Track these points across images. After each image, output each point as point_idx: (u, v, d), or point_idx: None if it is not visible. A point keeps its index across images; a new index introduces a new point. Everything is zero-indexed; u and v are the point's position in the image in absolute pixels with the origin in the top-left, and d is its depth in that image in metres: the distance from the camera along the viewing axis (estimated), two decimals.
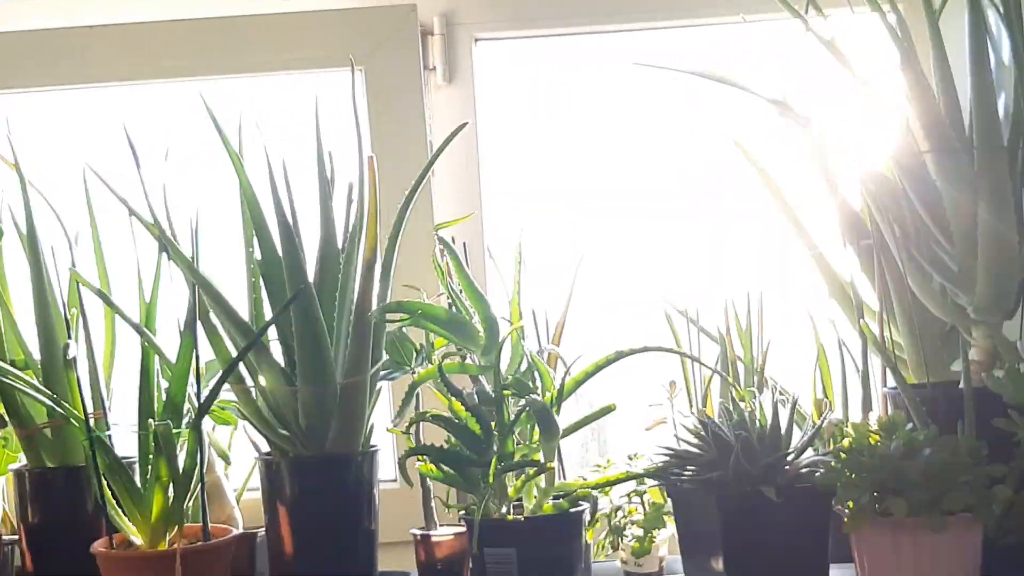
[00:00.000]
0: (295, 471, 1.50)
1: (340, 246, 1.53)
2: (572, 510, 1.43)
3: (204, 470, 1.41)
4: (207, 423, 1.67)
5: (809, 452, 1.43)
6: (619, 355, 1.42)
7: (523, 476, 1.43)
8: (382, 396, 1.61)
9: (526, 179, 2.03)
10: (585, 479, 1.46)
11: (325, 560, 1.50)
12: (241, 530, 1.66)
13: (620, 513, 1.61)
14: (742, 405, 1.43)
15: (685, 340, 1.68)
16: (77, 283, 1.52)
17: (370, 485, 1.53)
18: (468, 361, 1.49)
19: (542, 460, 1.42)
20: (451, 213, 1.96)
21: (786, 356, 1.80)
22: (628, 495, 1.62)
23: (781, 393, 1.60)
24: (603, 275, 1.98)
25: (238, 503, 1.73)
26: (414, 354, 1.55)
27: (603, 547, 1.62)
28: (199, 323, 1.46)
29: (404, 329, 1.54)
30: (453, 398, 1.40)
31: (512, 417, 1.41)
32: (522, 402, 1.38)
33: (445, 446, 1.45)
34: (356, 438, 1.50)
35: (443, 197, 1.95)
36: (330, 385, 1.47)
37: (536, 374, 1.47)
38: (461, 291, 1.46)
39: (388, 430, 1.43)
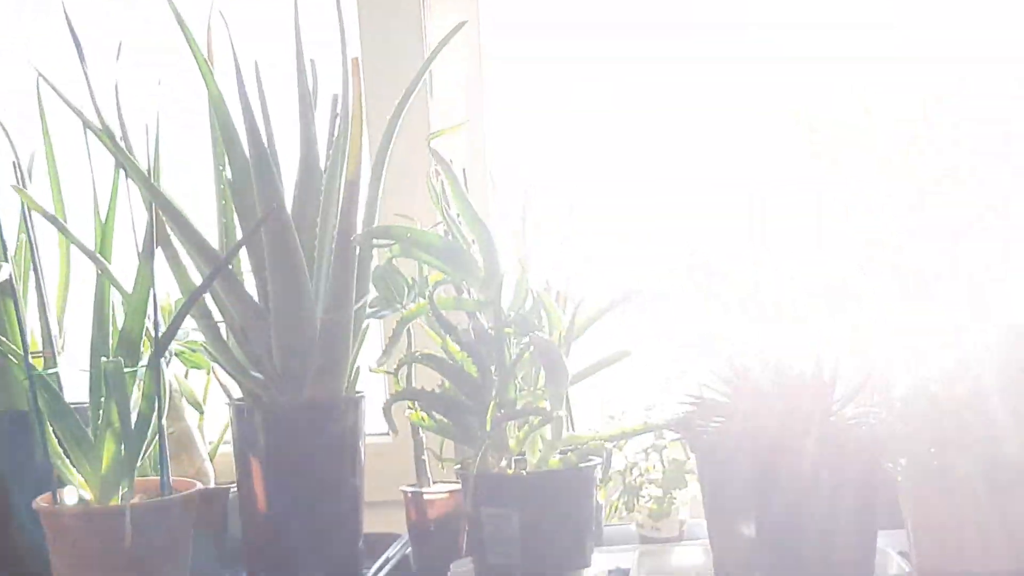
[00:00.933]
0: (269, 419, 1.33)
1: (323, 166, 1.35)
2: (582, 465, 1.25)
3: (163, 416, 1.23)
4: (178, 368, 1.50)
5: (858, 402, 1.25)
6: (631, 295, 1.24)
7: (526, 426, 1.25)
8: (372, 338, 1.44)
9: (539, 93, 1.82)
10: (599, 432, 1.28)
11: (303, 520, 1.33)
12: (212, 485, 1.49)
13: (636, 471, 1.43)
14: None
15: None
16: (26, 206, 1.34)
17: (354, 436, 1.36)
18: (466, 296, 1.31)
19: (548, 408, 1.24)
20: (452, 138, 1.78)
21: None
22: (645, 450, 1.44)
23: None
24: (629, 203, 1.79)
25: (213, 457, 1.56)
26: (405, 289, 1.37)
27: (616, 508, 1.44)
28: (159, 249, 1.28)
29: (395, 262, 1.36)
30: (447, 336, 1.22)
31: (513, 358, 1.23)
32: (525, 341, 1.20)
33: (439, 392, 1.27)
34: (338, 382, 1.32)
35: (443, 118, 1.76)
36: (308, 321, 1.29)
37: (543, 312, 1.29)
38: (458, 217, 1.27)
39: (371, 370, 1.25)
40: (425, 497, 1.40)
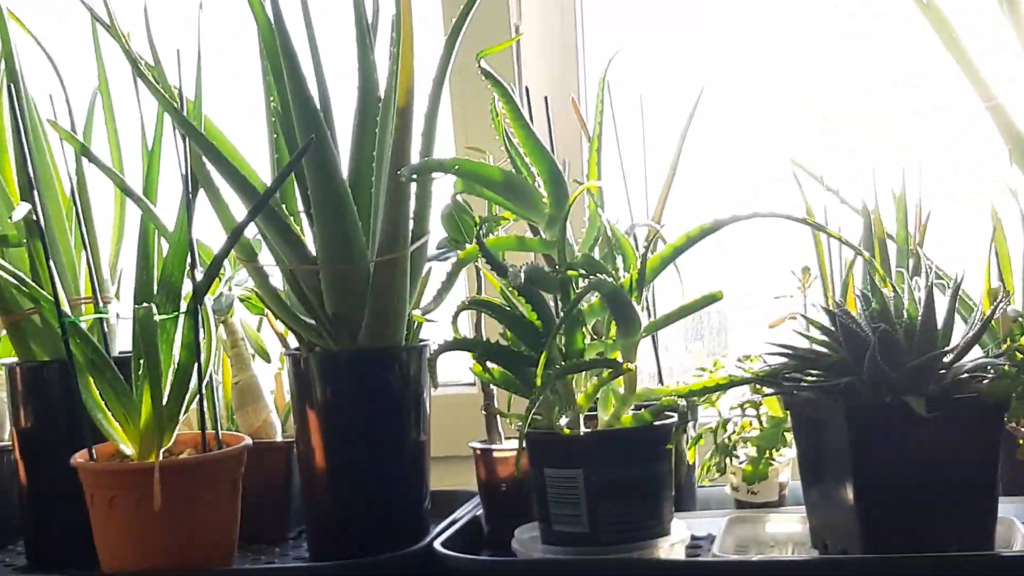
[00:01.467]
0: (324, 369, 1.23)
1: (380, 95, 1.23)
2: (656, 423, 1.12)
3: (206, 366, 1.14)
4: (242, 312, 1.42)
5: (976, 352, 1.08)
6: (717, 224, 1.09)
7: (595, 380, 1.13)
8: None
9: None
10: (677, 386, 1.15)
11: (363, 476, 1.23)
12: (279, 439, 1.40)
13: (730, 428, 1.29)
14: (886, 292, 1.09)
15: (820, 215, 1.33)
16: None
17: (418, 386, 1.25)
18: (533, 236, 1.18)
19: (620, 360, 1.11)
20: (540, 69, 1.64)
21: (952, 236, 1.44)
22: (741, 406, 1.30)
23: (940, 277, 1.24)
24: (730, 138, 1.63)
25: (285, 410, 1.47)
26: (475, 229, 1.25)
27: (708, 469, 1.30)
28: (202, 189, 1.19)
29: (464, 199, 1.24)
30: (501, 280, 1.10)
31: (579, 305, 1.10)
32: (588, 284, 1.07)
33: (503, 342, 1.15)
34: (396, 329, 1.22)
35: (531, 51, 1.63)
36: (358, 263, 1.18)
37: (619, 255, 1.15)
38: (520, 147, 1.15)
39: (413, 317, 1.13)
40: (494, 455, 1.29)
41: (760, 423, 1.28)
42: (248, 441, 1.21)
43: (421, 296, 1.27)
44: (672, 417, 1.15)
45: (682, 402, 1.11)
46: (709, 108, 1.55)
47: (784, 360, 1.11)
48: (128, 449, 1.16)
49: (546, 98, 1.44)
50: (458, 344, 1.10)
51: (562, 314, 1.11)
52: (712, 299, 1.17)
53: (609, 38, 1.68)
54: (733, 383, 1.13)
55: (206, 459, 1.14)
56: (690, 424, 1.34)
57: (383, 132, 1.20)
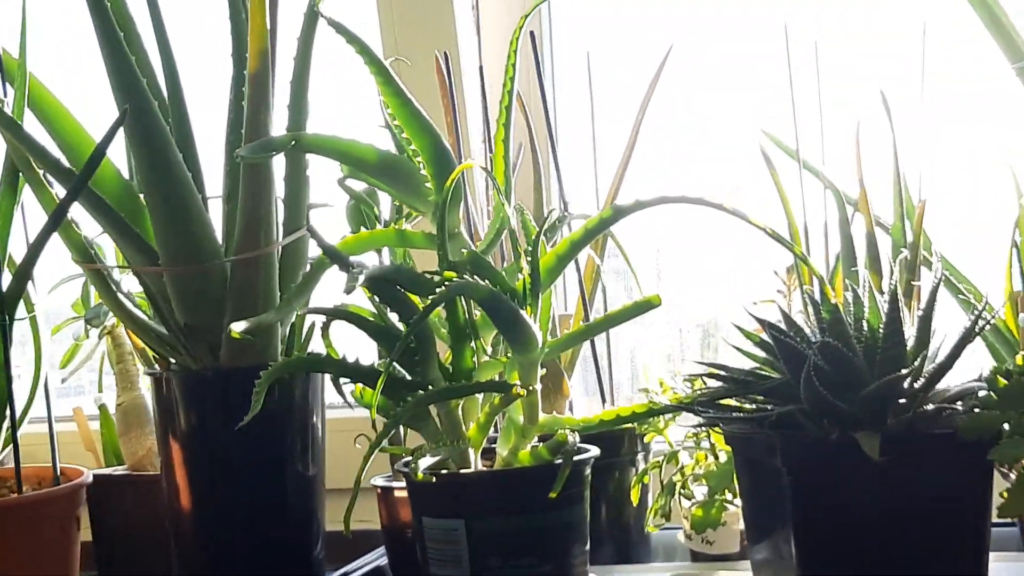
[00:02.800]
0: (184, 391, 1.03)
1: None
2: (556, 461, 0.89)
3: (4, 384, 0.95)
4: None
5: (961, 380, 0.84)
6: (617, 212, 0.87)
7: (487, 407, 0.91)
8: None
9: None
10: (586, 416, 0.92)
11: (235, 517, 1.03)
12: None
13: (676, 465, 1.06)
14: (852, 294, 0.85)
15: (797, 199, 1.09)
16: None
17: (304, 410, 1.05)
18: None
19: (516, 381, 0.89)
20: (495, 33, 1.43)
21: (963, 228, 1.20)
22: (695, 436, 1.07)
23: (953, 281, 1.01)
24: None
25: None
26: (376, 222, 1.04)
27: (655, 513, 1.08)
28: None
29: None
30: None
31: (464, 313, 0.89)
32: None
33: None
34: (266, 343, 1.01)
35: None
36: (208, 263, 0.98)
37: (520, 247, 0.94)
38: (394, 120, 0.93)
39: (232, 333, 0.90)
40: (396, 495, 1.08)
41: (716, 458, 1.05)
42: (87, 477, 1.02)
43: (307, 303, 1.06)
44: (588, 451, 0.93)
45: (573, 437, 0.88)
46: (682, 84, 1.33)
47: (720, 384, 0.88)
48: None
49: (481, 68, 1.23)
50: (308, 363, 0.89)
51: (449, 327, 0.90)
52: (648, 306, 0.95)
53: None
54: (654, 411, 0.91)
55: (17, 502, 0.94)
56: (639, 457, 1.13)
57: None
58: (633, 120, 1.21)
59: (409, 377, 0.91)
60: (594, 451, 0.93)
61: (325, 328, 0.96)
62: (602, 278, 1.18)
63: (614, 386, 1.19)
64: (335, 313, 0.88)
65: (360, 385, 0.96)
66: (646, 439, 1.10)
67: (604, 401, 1.14)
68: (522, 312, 0.86)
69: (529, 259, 0.87)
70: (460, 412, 0.92)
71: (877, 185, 1.05)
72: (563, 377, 1.12)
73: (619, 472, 1.11)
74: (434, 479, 0.88)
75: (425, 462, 0.85)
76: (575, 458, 0.88)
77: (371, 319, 0.90)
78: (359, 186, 1.02)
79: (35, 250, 0.92)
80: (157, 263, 0.98)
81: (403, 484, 1.08)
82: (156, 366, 1.08)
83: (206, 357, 1.02)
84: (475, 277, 0.86)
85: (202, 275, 0.98)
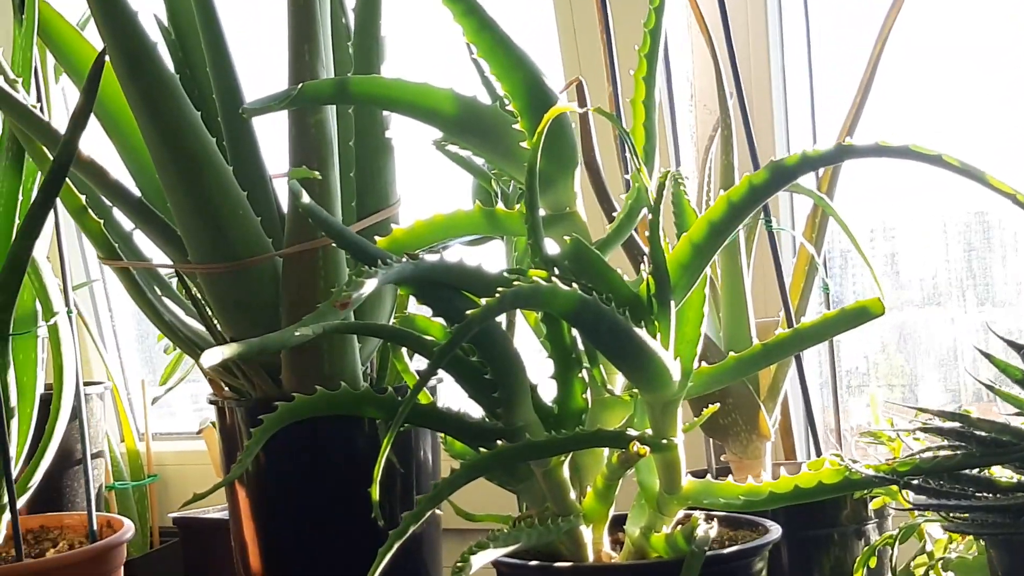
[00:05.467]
0: (249, 423, 0.79)
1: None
2: (699, 548, 0.58)
3: (4, 415, 0.73)
4: None
5: None
6: (778, 174, 0.55)
7: (606, 467, 0.62)
8: None
9: None
10: (755, 484, 0.61)
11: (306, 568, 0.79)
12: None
13: (921, 539, 0.73)
14: None
15: None
16: None
17: (405, 451, 0.79)
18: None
19: (637, 433, 0.59)
20: None
21: None
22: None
23: None
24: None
25: None
26: (498, 200, 0.77)
27: None
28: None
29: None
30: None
31: (570, 331, 0.60)
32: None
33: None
34: (340, 361, 0.75)
35: None
36: (244, 260, 0.73)
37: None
38: (479, 56, 0.65)
39: (201, 364, 0.64)
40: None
41: (977, 538, 0.71)
42: (128, 531, 0.79)
43: (392, 307, 0.80)
44: (758, 535, 0.62)
45: (706, 526, 0.57)
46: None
47: (950, 442, 0.55)
48: None
49: None
50: (335, 402, 0.62)
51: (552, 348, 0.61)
52: (865, 315, 0.63)
53: None
54: (849, 485, 0.58)
55: (11, 570, 0.73)
56: (869, 527, 0.80)
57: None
58: (868, 55, 0.87)
59: (493, 420, 0.63)
60: (770, 536, 0.62)
61: (395, 347, 0.69)
62: (821, 273, 0.86)
63: (839, 420, 0.86)
64: (359, 329, 0.62)
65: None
66: (872, 504, 0.77)
67: (816, 445, 0.82)
68: (636, 330, 0.56)
69: (649, 250, 0.57)
70: (566, 472, 0.63)
71: None
72: (759, 411, 0.81)
73: (838, 547, 0.79)
74: (525, 569, 0.60)
75: (487, 556, 0.57)
76: (712, 553, 0.57)
77: (426, 338, 0.62)
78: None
79: (22, 248, 0.70)
80: (189, 261, 0.74)
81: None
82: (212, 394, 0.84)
83: (265, 381, 0.77)
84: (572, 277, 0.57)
85: (242, 277, 0.73)
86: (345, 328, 0.64)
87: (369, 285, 0.52)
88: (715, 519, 0.60)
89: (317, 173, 0.66)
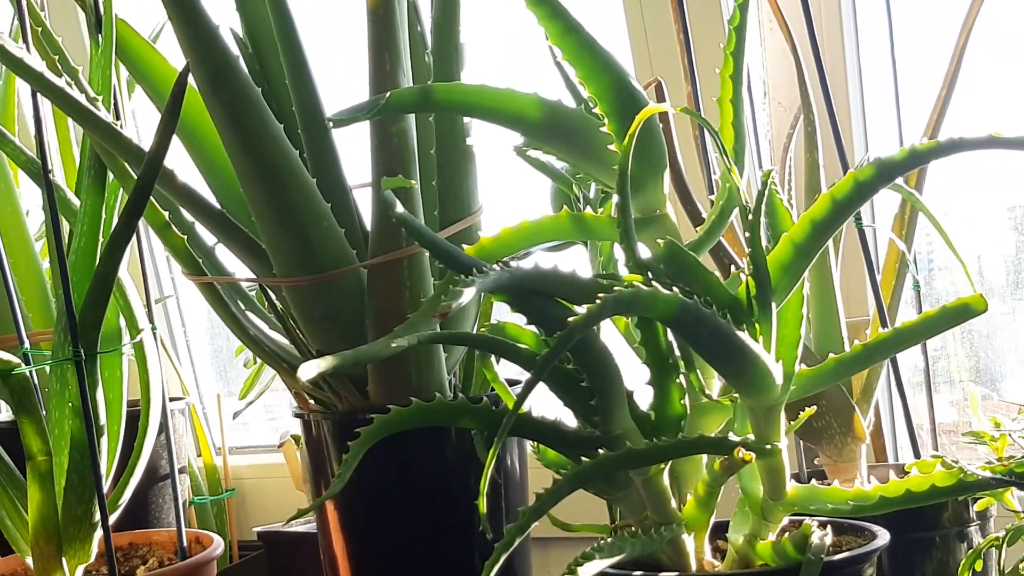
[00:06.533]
0: (337, 436, 0.79)
1: None
2: (815, 557, 0.57)
3: (95, 433, 0.73)
4: None
5: None
6: (883, 168, 0.53)
7: (705, 476, 0.60)
8: None
9: None
10: (862, 488, 0.59)
11: None
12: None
13: (1005, 550, 0.71)
14: None
15: None
16: None
17: (497, 459, 0.78)
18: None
19: (739, 438, 0.58)
20: None
21: None
22: None
23: None
24: None
25: None
26: (579, 206, 0.76)
27: None
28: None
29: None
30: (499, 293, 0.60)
31: (665, 335, 0.58)
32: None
33: None
34: (427, 372, 0.75)
35: None
36: (328, 272, 0.72)
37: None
38: (564, 60, 0.64)
39: (300, 381, 0.63)
40: None
41: None
42: (218, 547, 0.79)
43: (477, 314, 0.79)
44: (867, 541, 0.60)
45: (821, 532, 0.56)
46: None
47: None
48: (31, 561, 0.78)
49: None
50: (430, 414, 0.61)
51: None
52: (967, 312, 0.62)
53: None
54: (963, 488, 0.57)
55: None
56: (972, 529, 0.78)
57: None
58: (953, 47, 0.85)
59: (589, 428, 0.62)
60: (879, 541, 0.60)
61: (484, 356, 0.68)
62: (912, 270, 0.84)
63: (935, 420, 0.84)
64: (455, 339, 0.61)
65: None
66: (977, 506, 0.75)
67: (914, 447, 0.80)
68: (739, 333, 0.55)
69: (749, 250, 0.55)
70: (666, 479, 0.62)
71: None
72: (854, 413, 0.79)
73: (940, 550, 0.77)
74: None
75: (594, 567, 0.55)
76: (828, 559, 0.56)
77: (522, 346, 0.61)
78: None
79: (109, 262, 0.70)
80: (273, 274, 0.74)
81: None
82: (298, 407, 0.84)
83: (353, 395, 0.77)
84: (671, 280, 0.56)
85: (328, 289, 0.73)
86: (441, 338, 0.64)
87: (468, 294, 0.52)
88: (827, 526, 0.59)
89: (413, 182, 0.65)
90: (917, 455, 0.80)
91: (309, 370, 0.55)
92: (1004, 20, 0.94)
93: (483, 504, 0.55)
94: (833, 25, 1.06)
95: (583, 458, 0.59)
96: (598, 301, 0.51)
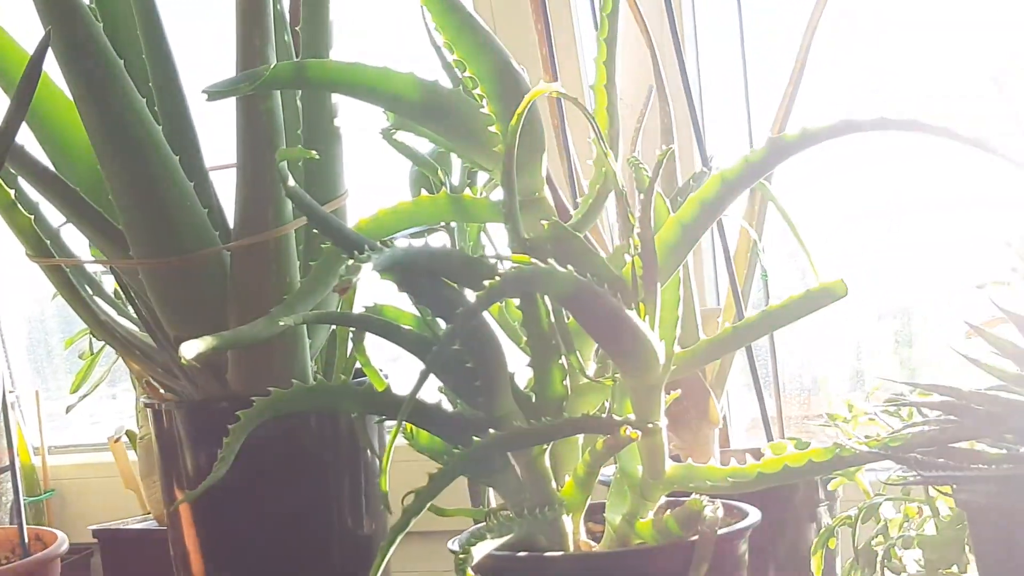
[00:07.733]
0: (191, 426, 0.76)
1: None
2: (692, 538, 0.58)
3: None
4: None
5: None
6: (776, 151, 0.55)
7: (584, 455, 0.61)
8: None
9: None
10: (738, 466, 0.61)
11: None
12: None
13: (879, 522, 0.74)
14: None
15: None
16: None
17: (352, 451, 0.77)
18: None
19: (622, 417, 0.59)
20: None
21: None
22: (902, 480, 0.74)
23: None
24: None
25: None
26: (441, 184, 0.75)
27: None
28: None
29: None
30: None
31: (548, 316, 0.59)
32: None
33: None
34: (288, 359, 0.73)
35: None
36: (191, 255, 0.70)
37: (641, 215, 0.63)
38: (444, 43, 0.63)
39: (183, 358, 0.61)
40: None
41: (936, 513, 0.72)
42: (63, 543, 0.75)
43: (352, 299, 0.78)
44: (743, 518, 0.62)
45: (713, 506, 0.57)
46: None
47: (938, 415, 0.56)
48: None
49: None
50: (306, 397, 0.59)
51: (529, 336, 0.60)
52: (827, 296, 0.64)
53: None
54: (840, 461, 0.59)
55: None
56: (822, 509, 0.81)
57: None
58: (800, 42, 0.89)
59: (471, 410, 0.61)
60: (752, 518, 0.62)
61: (357, 340, 0.67)
62: (760, 258, 0.86)
63: (782, 406, 0.87)
64: (343, 319, 0.59)
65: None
66: (831, 485, 0.78)
67: (768, 432, 0.83)
68: (628, 312, 0.56)
69: (638, 231, 0.56)
70: (547, 460, 0.62)
71: None
72: (709, 398, 0.81)
73: (793, 531, 0.79)
74: (508, 560, 0.59)
75: (486, 546, 0.55)
76: (721, 531, 0.57)
77: (407, 328, 0.61)
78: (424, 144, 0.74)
79: None
80: (129, 257, 0.71)
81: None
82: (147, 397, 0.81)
83: (210, 383, 0.74)
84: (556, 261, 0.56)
85: (189, 272, 0.70)
86: (328, 319, 0.62)
87: (366, 269, 0.50)
88: (714, 502, 0.60)
89: (315, 152, 0.63)
90: (770, 438, 0.83)
91: (192, 348, 0.53)
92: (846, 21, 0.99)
93: (385, 483, 0.54)
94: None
95: (474, 438, 0.59)
96: (498, 278, 0.51)
